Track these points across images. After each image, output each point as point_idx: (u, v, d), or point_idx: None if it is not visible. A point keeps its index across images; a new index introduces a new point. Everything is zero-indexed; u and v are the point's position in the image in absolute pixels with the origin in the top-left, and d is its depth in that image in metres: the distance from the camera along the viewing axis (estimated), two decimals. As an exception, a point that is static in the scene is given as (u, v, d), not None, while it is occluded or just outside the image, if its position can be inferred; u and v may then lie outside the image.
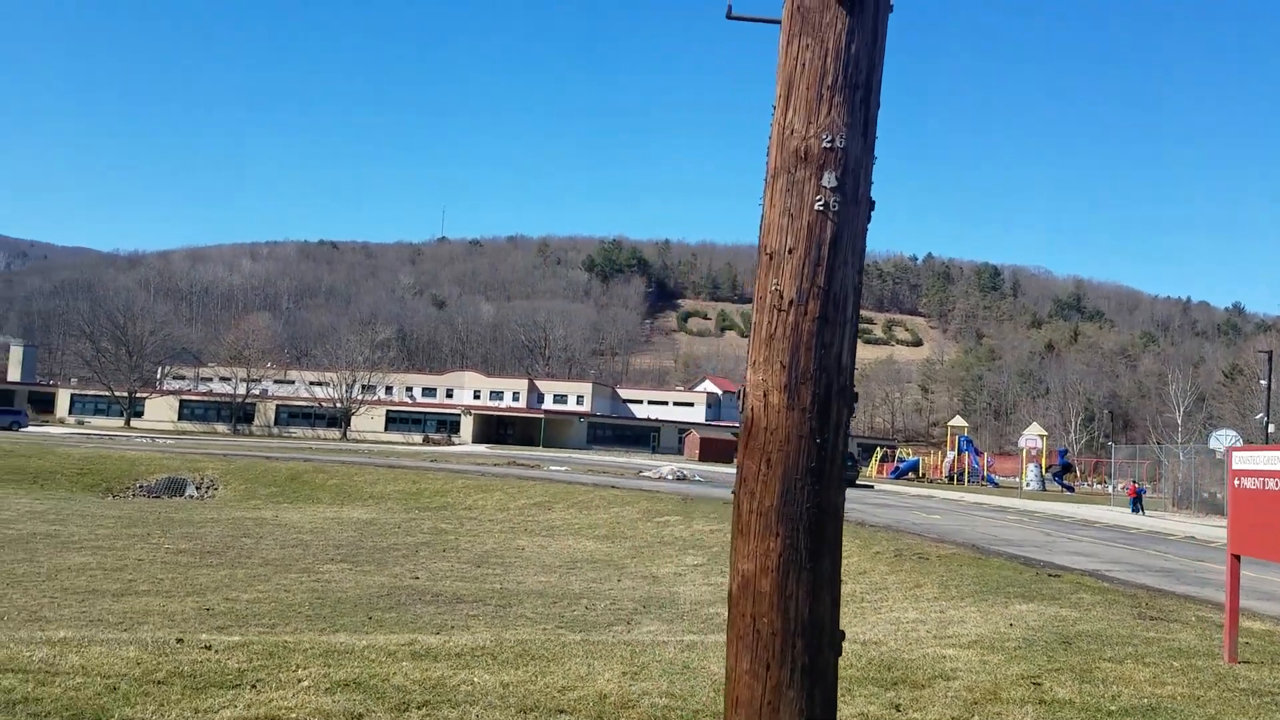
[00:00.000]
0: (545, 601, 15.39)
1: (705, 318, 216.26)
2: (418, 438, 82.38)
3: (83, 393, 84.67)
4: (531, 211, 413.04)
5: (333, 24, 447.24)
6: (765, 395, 2.94)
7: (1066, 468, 63.03)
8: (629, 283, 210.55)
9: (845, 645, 8.65)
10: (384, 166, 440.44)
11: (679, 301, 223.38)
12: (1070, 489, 58.52)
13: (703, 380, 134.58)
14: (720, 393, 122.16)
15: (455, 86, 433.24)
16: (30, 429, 61.48)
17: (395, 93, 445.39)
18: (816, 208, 2.98)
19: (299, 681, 5.83)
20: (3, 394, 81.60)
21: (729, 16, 3.27)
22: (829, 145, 2.97)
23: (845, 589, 17.79)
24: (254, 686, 5.67)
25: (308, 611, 13.54)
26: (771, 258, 3.04)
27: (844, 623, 13.56)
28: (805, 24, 3.02)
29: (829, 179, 2.97)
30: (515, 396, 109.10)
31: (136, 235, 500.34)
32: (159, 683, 5.64)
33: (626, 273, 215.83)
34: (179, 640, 7.10)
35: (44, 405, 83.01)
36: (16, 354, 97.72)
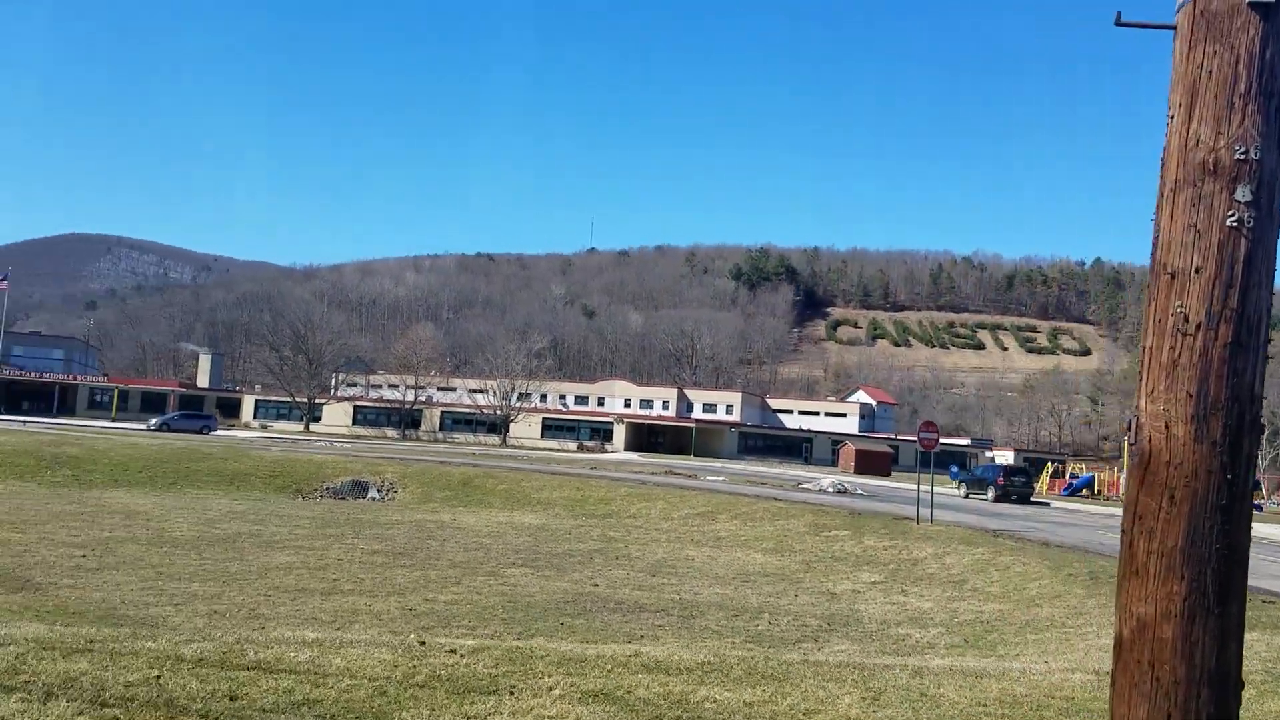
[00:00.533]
0: (726, 614, 15.32)
1: (856, 326, 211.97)
2: (572, 445, 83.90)
3: (266, 398, 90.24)
4: (678, 221, 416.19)
5: (484, 46, 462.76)
6: (1167, 426, 2.75)
7: (1255, 485, 58.67)
8: (776, 291, 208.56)
9: (1083, 677, 8.22)
10: (536, 180, 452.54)
11: (828, 310, 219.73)
12: (1258, 508, 54.51)
13: (855, 390, 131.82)
14: (874, 403, 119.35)
15: (604, 99, 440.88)
16: (219, 433, 65.87)
17: (547, 108, 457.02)
18: (1228, 224, 2.77)
19: (550, 690, 5.93)
20: (194, 399, 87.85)
21: (1118, 23, 3.11)
22: (1242, 157, 2.77)
23: (1040, 612, 16.98)
24: (511, 693, 5.79)
25: (502, 615, 13.91)
26: (1174, 277, 2.84)
27: (1050, 649, 12.91)
28: (1210, 30, 2.83)
29: (1243, 193, 2.77)
30: (665, 405, 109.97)
31: (311, 250, 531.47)
32: (421, 686, 5.83)
33: (774, 281, 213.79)
34: (421, 643, 7.34)
35: (230, 410, 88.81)
36: (205, 362, 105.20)
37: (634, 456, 72.39)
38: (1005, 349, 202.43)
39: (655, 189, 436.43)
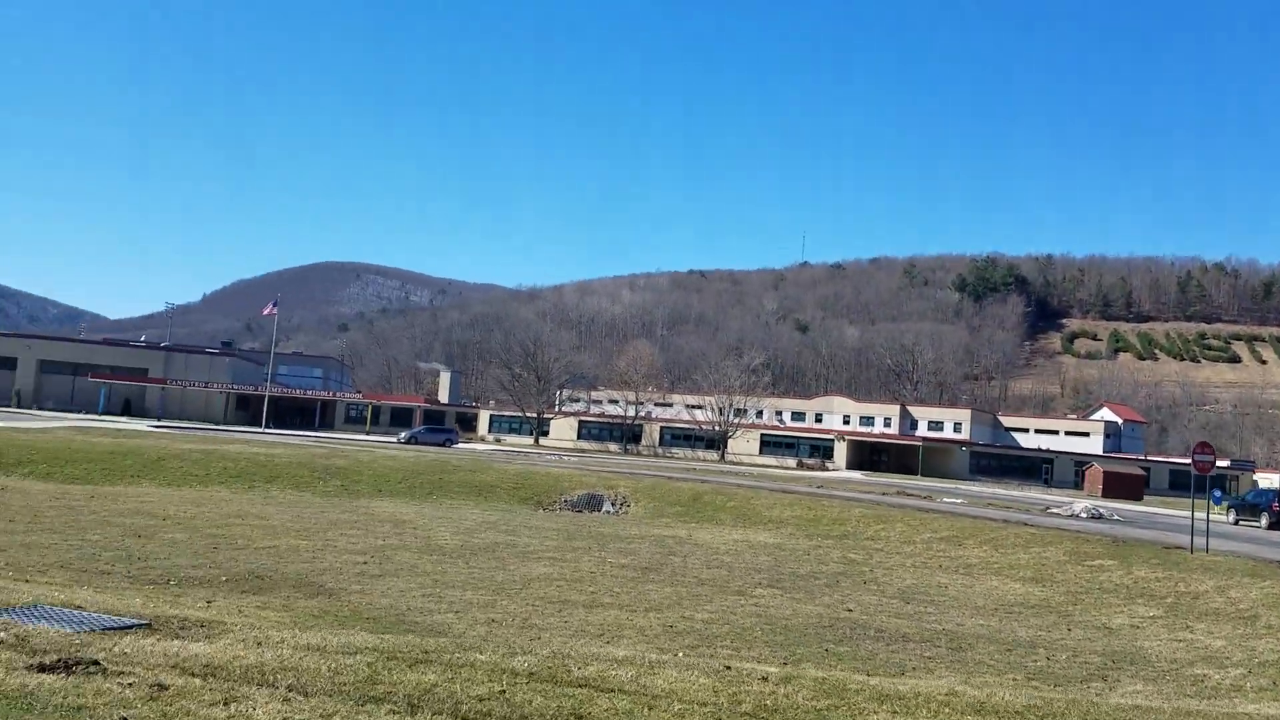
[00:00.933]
0: (997, 648, 14.52)
1: (1094, 338, 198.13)
2: (791, 462, 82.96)
3: (500, 413, 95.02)
4: (895, 232, 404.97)
5: (690, 63, 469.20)
6: None
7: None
8: (1005, 302, 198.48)
9: None
10: (747, 195, 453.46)
11: (1063, 321, 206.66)
12: None
13: (1099, 408, 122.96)
14: (1120, 421, 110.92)
15: (814, 107, 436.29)
16: (459, 446, 69.84)
17: (755, 120, 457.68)
18: None
19: (885, 728, 5.69)
20: (436, 414, 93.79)
21: None
22: None
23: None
24: (849, 729, 5.60)
25: (763, 638, 13.77)
26: None
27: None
28: None
29: None
30: (886, 422, 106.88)
31: (535, 271, 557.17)
32: (749, 715, 5.77)
33: (1002, 291, 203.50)
34: (727, 667, 7.29)
35: (467, 424, 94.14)
36: (445, 379, 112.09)
37: (857, 475, 70.73)
38: (1264, 361, 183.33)
39: (870, 199, 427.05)
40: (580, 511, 33.50)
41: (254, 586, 15.16)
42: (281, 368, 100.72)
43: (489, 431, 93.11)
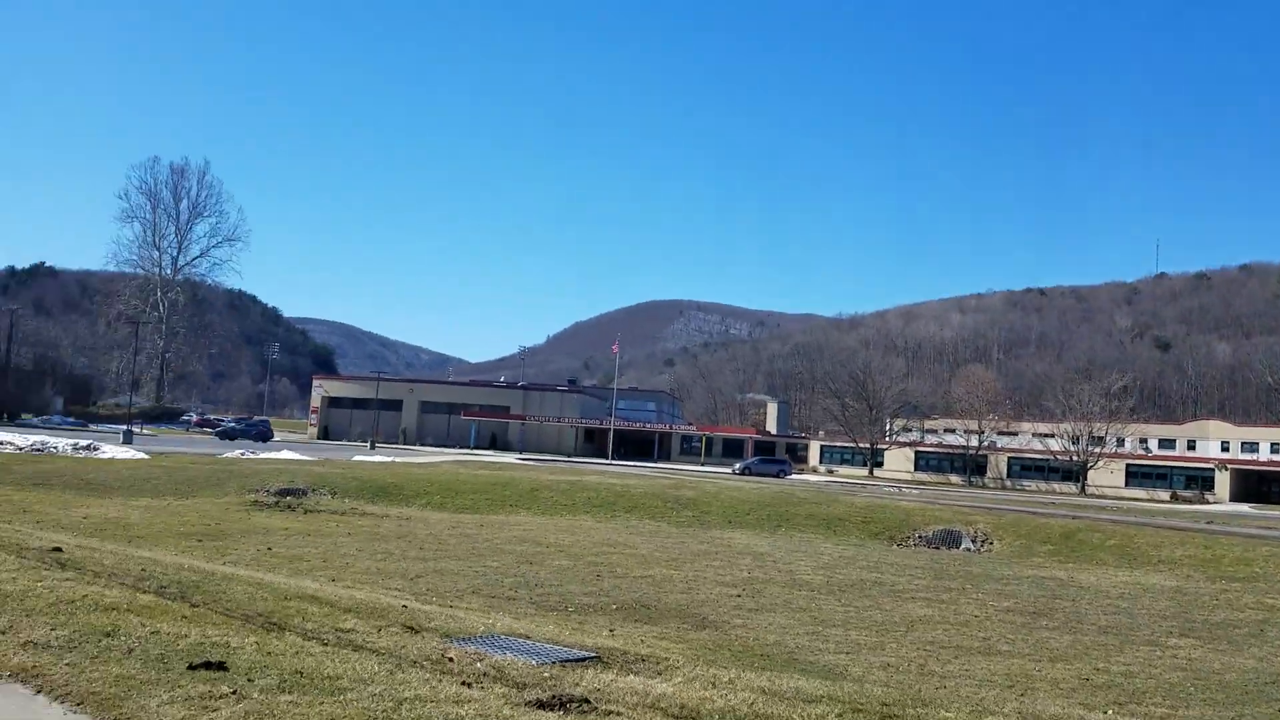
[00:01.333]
0: None
1: None
2: (1163, 494, 74.79)
3: (830, 444, 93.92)
4: (1267, 234, 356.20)
5: (1025, 65, 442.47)
6: None
7: None
8: None
9: None
10: (1090, 204, 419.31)
11: None
12: None
13: None
14: None
15: (1156, 108, 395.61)
16: (792, 477, 69.76)
17: (1100, 123, 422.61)
18: None
19: None
20: (766, 445, 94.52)
21: None
22: None
23: None
24: None
25: (1200, 695, 12.25)
26: None
27: None
28: None
29: None
30: (1274, 448, 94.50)
31: (854, 298, 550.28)
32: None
33: None
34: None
35: (796, 455, 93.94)
36: (772, 410, 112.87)
37: (1245, 508, 62.41)
38: None
39: (1232, 200, 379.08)
40: (937, 548, 31.96)
41: (644, 616, 15.74)
42: (620, 402, 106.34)
43: (820, 462, 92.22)
